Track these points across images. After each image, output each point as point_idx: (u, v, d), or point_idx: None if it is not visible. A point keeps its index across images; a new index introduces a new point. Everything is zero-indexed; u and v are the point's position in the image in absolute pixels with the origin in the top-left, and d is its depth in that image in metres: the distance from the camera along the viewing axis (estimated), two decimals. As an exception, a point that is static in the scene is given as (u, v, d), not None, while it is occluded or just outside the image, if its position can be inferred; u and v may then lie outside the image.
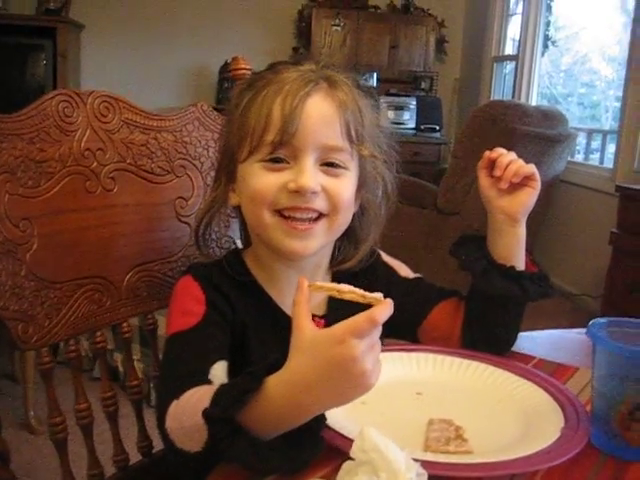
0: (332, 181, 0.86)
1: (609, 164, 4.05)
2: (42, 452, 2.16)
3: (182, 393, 0.71)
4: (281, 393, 0.64)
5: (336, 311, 0.86)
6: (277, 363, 0.66)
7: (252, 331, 0.89)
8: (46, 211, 0.92)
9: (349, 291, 0.67)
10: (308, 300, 0.67)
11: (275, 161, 0.85)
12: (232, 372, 0.81)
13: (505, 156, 0.92)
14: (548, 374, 0.89)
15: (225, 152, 0.94)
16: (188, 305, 0.87)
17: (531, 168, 0.91)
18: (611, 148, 4.29)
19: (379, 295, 0.66)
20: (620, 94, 3.90)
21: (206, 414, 0.64)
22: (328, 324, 0.83)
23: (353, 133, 0.87)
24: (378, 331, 0.63)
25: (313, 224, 0.86)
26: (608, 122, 4.80)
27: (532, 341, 1.06)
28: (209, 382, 0.75)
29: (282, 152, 0.85)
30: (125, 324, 1.05)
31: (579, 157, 4.54)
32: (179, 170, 1.09)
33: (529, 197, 0.92)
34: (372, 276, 0.99)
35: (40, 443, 2.23)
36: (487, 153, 0.93)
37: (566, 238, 3.99)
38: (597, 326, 0.74)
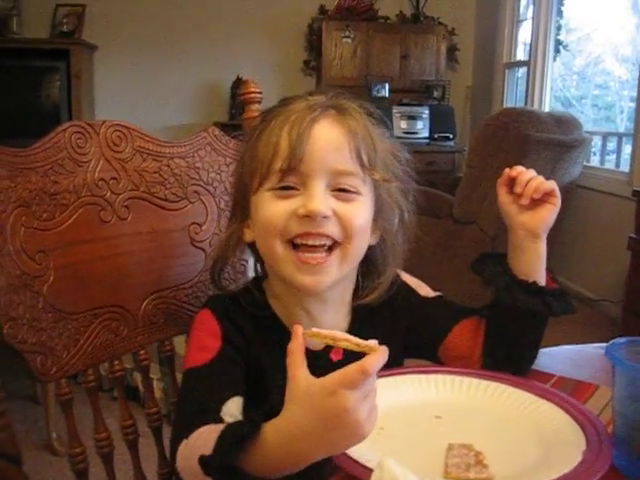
0: (344, 206, 0.85)
1: (625, 167, 4.02)
2: (65, 474, 2.17)
3: (192, 432, 0.72)
4: (279, 442, 0.64)
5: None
6: (274, 409, 0.66)
7: (269, 365, 0.89)
8: (61, 243, 0.92)
9: (344, 339, 0.67)
10: (303, 349, 0.66)
11: (284, 189, 0.85)
12: (249, 406, 0.81)
13: (525, 173, 0.92)
14: (568, 393, 0.88)
15: (238, 187, 0.94)
16: (204, 340, 0.87)
17: (551, 185, 0.91)
18: (627, 149, 4.26)
19: (374, 342, 0.65)
20: (635, 94, 3.87)
21: (203, 461, 0.66)
22: (346, 353, 0.82)
23: (364, 158, 0.86)
24: (372, 379, 0.63)
25: (326, 257, 0.85)
26: (623, 123, 4.76)
27: (551, 357, 1.05)
28: (220, 419, 0.75)
29: (291, 180, 0.85)
30: (142, 352, 1.05)
31: (595, 159, 4.50)
32: (192, 196, 1.10)
33: (549, 213, 0.92)
34: (393, 302, 0.98)
35: (62, 465, 2.24)
36: (507, 171, 0.93)
37: (584, 243, 3.96)
38: (616, 346, 0.73)
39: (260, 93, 1.20)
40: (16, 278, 0.86)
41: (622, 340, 0.75)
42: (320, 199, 0.83)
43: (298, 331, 0.68)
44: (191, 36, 5.49)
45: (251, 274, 1.12)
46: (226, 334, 0.87)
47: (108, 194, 0.99)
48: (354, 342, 0.66)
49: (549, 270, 0.95)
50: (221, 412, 0.76)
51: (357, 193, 0.87)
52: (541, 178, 0.92)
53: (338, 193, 0.86)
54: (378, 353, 0.63)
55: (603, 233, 3.90)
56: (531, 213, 0.92)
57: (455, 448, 0.74)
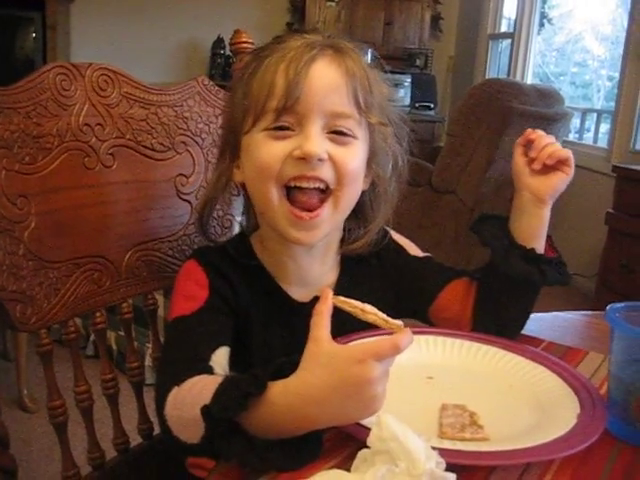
0: (339, 149, 0.83)
1: (602, 144, 4.04)
2: (36, 431, 2.14)
3: (184, 379, 0.69)
4: (287, 402, 0.62)
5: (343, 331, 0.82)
6: (283, 368, 0.64)
7: (255, 316, 0.87)
8: (44, 188, 0.88)
9: (373, 313, 0.67)
10: (330, 312, 0.65)
11: (280, 129, 0.82)
12: (234, 357, 0.79)
13: (543, 138, 0.90)
14: (558, 357, 0.87)
15: (229, 126, 0.90)
16: (191, 289, 0.85)
17: (567, 153, 0.89)
18: (603, 128, 4.28)
19: (400, 323, 0.66)
20: (613, 73, 3.88)
21: (205, 411, 0.63)
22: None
23: (361, 100, 0.84)
24: (393, 360, 0.63)
25: (319, 210, 0.83)
26: (600, 102, 4.78)
27: (539, 323, 1.05)
28: (210, 368, 0.73)
29: (286, 119, 0.81)
30: (125, 304, 1.03)
31: (572, 137, 4.51)
32: (180, 146, 1.06)
33: (560, 181, 0.90)
34: (382, 256, 0.97)
35: (34, 422, 2.21)
36: (528, 131, 0.91)
37: (561, 218, 3.98)
38: (615, 310, 0.72)
39: (252, 44, 1.16)
40: (-4, 222, 0.82)
41: (620, 304, 0.74)
42: (316, 141, 0.80)
43: (328, 294, 0.66)
44: (171, -7, 5.37)
45: (236, 229, 1.09)
46: (213, 284, 0.85)
47: (93, 140, 0.95)
48: (382, 317, 0.67)
49: (549, 237, 0.93)
50: (210, 361, 0.75)
51: (353, 136, 0.84)
52: (558, 145, 0.90)
53: (334, 136, 0.83)
54: (407, 332, 0.63)
55: (580, 208, 3.93)
56: (541, 178, 0.90)
57: (449, 408, 0.73)
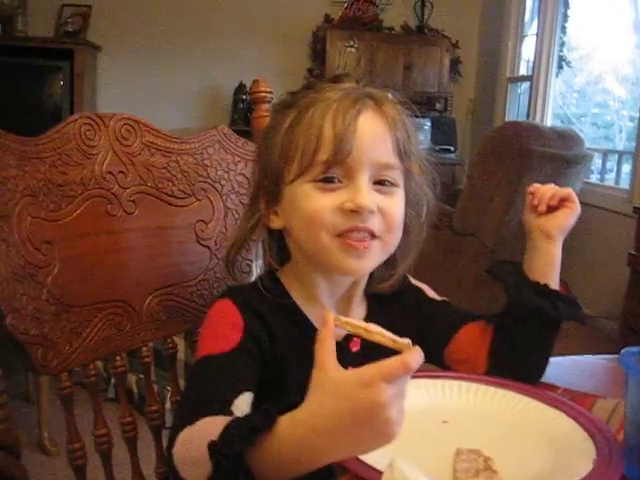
0: (386, 200, 0.85)
1: (625, 185, 4.02)
2: (56, 474, 2.15)
3: (197, 419, 0.68)
4: (296, 436, 0.59)
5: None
6: (295, 404, 0.61)
7: (292, 359, 0.87)
8: (67, 234, 0.91)
9: (378, 333, 0.64)
10: (333, 337, 0.63)
11: (328, 181, 0.84)
12: (259, 403, 0.78)
13: (541, 187, 0.94)
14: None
15: (266, 174, 0.91)
16: (224, 329, 0.84)
17: (567, 190, 0.93)
18: (626, 168, 4.27)
19: (408, 341, 0.62)
20: (634, 114, 3.89)
21: (211, 447, 0.61)
22: (363, 345, 0.84)
23: (402, 149, 0.86)
24: (406, 380, 0.59)
25: (371, 241, 0.85)
26: (622, 142, 4.78)
27: (556, 368, 1.04)
28: (231, 412, 0.72)
29: (335, 172, 0.83)
30: (145, 348, 1.04)
31: (594, 178, 4.51)
32: (200, 193, 1.09)
33: (566, 216, 0.94)
34: (403, 298, 0.98)
35: (54, 464, 2.22)
36: (529, 190, 0.96)
37: (583, 259, 3.96)
38: (629, 354, 0.72)
39: (271, 93, 1.19)
40: (20, 268, 0.85)
41: (635, 348, 0.74)
42: (367, 193, 0.83)
43: (329, 318, 0.64)
44: (195, 40, 5.50)
45: (255, 275, 1.11)
46: (249, 326, 0.84)
47: (115, 187, 0.98)
48: (389, 337, 0.63)
49: (564, 282, 0.95)
50: (233, 405, 0.74)
51: (397, 186, 0.87)
52: (557, 187, 0.94)
53: (380, 187, 0.86)
54: (417, 351, 0.59)
55: (602, 249, 3.91)
56: (548, 216, 0.94)
57: (464, 453, 0.73)
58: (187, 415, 0.70)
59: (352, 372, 0.59)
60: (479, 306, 3.01)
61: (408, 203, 0.91)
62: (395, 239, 0.89)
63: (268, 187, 0.90)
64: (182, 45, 5.48)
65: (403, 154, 0.87)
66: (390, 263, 0.94)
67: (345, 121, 0.83)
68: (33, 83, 5.06)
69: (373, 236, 0.85)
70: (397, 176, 0.87)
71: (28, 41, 5.01)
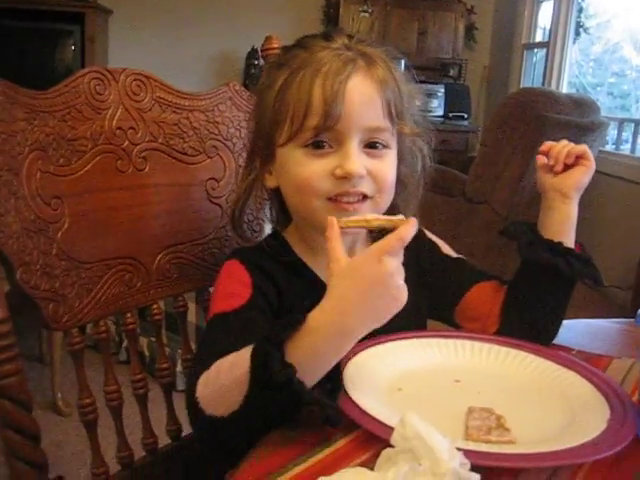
0: (376, 163, 0.86)
1: (641, 154, 3.97)
2: (69, 434, 2.17)
3: (211, 364, 0.71)
4: (328, 321, 0.66)
5: None
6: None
7: (300, 311, 0.87)
8: (77, 190, 0.90)
9: (375, 219, 0.74)
10: (339, 236, 0.71)
11: (317, 146, 0.84)
12: None
13: (556, 145, 0.93)
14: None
15: (260, 134, 0.91)
16: (234, 287, 0.86)
17: (583, 147, 0.91)
18: (642, 138, 4.21)
19: (401, 216, 0.73)
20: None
21: (254, 352, 0.65)
22: None
23: (394, 111, 0.86)
24: (402, 252, 0.69)
25: (361, 203, 0.85)
26: (639, 112, 4.71)
27: (570, 330, 1.03)
28: None
29: (325, 136, 0.83)
30: (155, 306, 1.04)
31: (609, 147, 4.44)
32: (211, 150, 1.08)
33: (582, 174, 0.92)
34: (416, 250, 0.97)
35: (67, 425, 2.24)
36: (542, 147, 0.94)
37: (597, 229, 3.92)
38: (647, 314, 0.71)
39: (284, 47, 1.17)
40: (30, 223, 0.84)
41: (653, 308, 0.72)
42: (356, 159, 0.83)
43: (333, 221, 0.72)
44: (207, 5, 5.44)
45: (267, 233, 1.10)
46: (257, 283, 0.86)
47: (126, 143, 0.97)
48: (384, 219, 0.74)
49: (579, 243, 0.93)
50: None
51: (387, 147, 0.87)
52: (572, 144, 0.92)
53: (370, 150, 0.86)
54: (410, 222, 0.69)
55: (616, 219, 3.87)
56: (563, 175, 0.92)
57: (476, 411, 0.72)
58: (202, 366, 0.72)
59: (361, 255, 0.69)
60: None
61: (402, 161, 0.92)
62: (387, 198, 0.89)
63: (262, 147, 0.91)
64: (194, 10, 5.42)
65: (394, 115, 0.87)
66: (392, 213, 0.94)
67: (334, 87, 0.82)
68: (44, 47, 5.02)
69: (365, 197, 0.85)
70: (388, 137, 0.87)
71: (39, 4, 4.96)
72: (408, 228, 0.68)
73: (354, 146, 0.83)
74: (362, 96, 0.84)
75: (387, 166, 0.87)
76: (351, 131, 0.83)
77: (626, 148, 4.40)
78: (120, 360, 2.60)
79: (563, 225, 0.92)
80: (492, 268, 3.47)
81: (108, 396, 0.97)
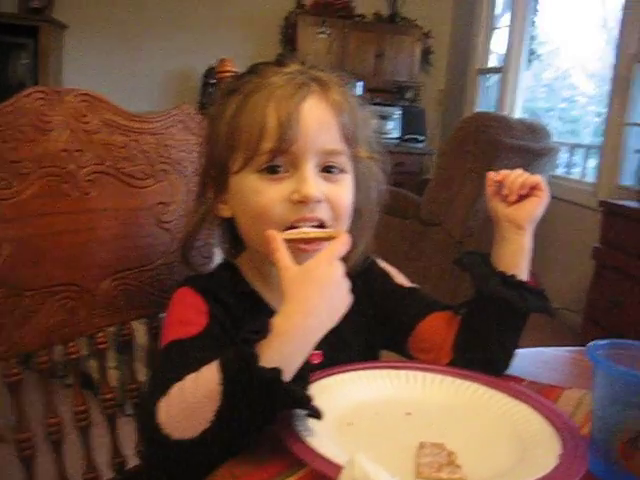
0: (333, 188, 0.84)
1: (591, 179, 4.06)
2: (12, 461, 2.09)
3: (169, 389, 0.69)
4: (291, 324, 0.69)
5: (331, 345, 0.83)
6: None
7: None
8: (19, 214, 0.87)
9: (311, 231, 0.81)
10: (285, 246, 0.75)
11: (273, 170, 0.82)
12: None
13: (510, 175, 0.91)
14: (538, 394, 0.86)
15: (212, 162, 0.89)
16: (188, 315, 0.83)
17: (537, 178, 0.90)
18: (591, 163, 4.31)
19: (334, 229, 0.82)
20: (600, 110, 3.91)
21: (226, 364, 0.67)
22: (324, 356, 0.87)
23: (349, 135, 0.85)
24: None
25: (319, 243, 0.82)
26: (588, 137, 4.82)
27: (521, 359, 1.02)
28: None
29: (280, 160, 0.82)
30: (100, 334, 1.00)
31: (560, 171, 4.53)
32: (160, 174, 1.05)
33: (535, 206, 0.91)
34: (368, 280, 0.97)
35: (8, 452, 2.15)
36: (492, 175, 0.93)
37: (548, 251, 3.99)
38: (597, 348, 0.71)
39: (236, 72, 1.15)
40: (-33, 248, 0.80)
41: (603, 342, 0.72)
42: (313, 183, 0.82)
43: (274, 234, 0.76)
44: (165, 22, 5.39)
45: (217, 259, 1.08)
46: (213, 312, 0.83)
47: (72, 166, 0.94)
48: (320, 231, 0.82)
49: (534, 274, 0.93)
50: None
51: (344, 172, 0.86)
52: (527, 174, 0.91)
53: (327, 174, 0.84)
54: (344, 233, 0.78)
55: (567, 242, 3.94)
56: (517, 206, 0.91)
57: (427, 447, 0.71)
58: (158, 394, 0.69)
59: (312, 260, 0.74)
60: (444, 297, 3.01)
61: (358, 187, 0.90)
62: (344, 226, 0.88)
63: (215, 176, 0.89)
64: (151, 27, 5.37)
65: (350, 139, 0.86)
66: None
67: (289, 109, 0.81)
68: (-3, 60, 4.92)
69: (322, 226, 0.84)
70: (344, 162, 0.86)
71: (-9, 17, 4.86)
72: (346, 236, 0.76)
73: (310, 169, 0.82)
74: (317, 119, 0.83)
75: (344, 191, 0.86)
76: (307, 154, 0.82)
77: (577, 172, 4.50)
78: (67, 384, 2.52)
79: (517, 257, 0.91)
80: (446, 290, 3.50)
81: (49, 429, 0.93)
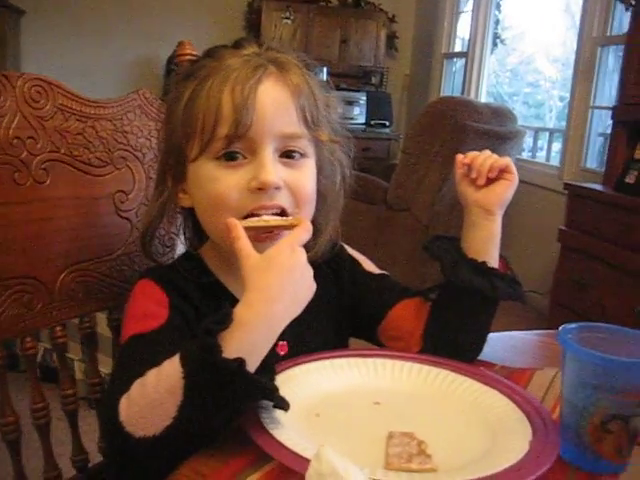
0: (293, 173, 0.81)
1: (555, 162, 4.09)
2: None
3: (130, 386, 0.66)
4: (254, 313, 0.67)
5: (298, 335, 0.84)
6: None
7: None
8: (-32, 205, 0.83)
9: (273, 220, 0.79)
10: (245, 234, 0.73)
11: (230, 157, 0.79)
12: None
13: (479, 157, 0.89)
14: (508, 376, 0.85)
15: (170, 150, 0.86)
16: (149, 308, 0.80)
17: (506, 160, 0.88)
18: (555, 147, 4.34)
19: (295, 216, 0.80)
20: (563, 94, 3.94)
21: (186, 356, 0.64)
22: (290, 346, 0.85)
23: (309, 117, 0.82)
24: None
25: (281, 232, 0.80)
26: (552, 121, 4.86)
27: (491, 343, 1.01)
28: None
29: (237, 146, 0.79)
30: (59, 328, 0.97)
31: (525, 155, 4.56)
32: (119, 161, 1.01)
33: (505, 189, 0.89)
34: (337, 267, 0.95)
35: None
36: (460, 158, 0.90)
37: (514, 235, 4.01)
38: (567, 331, 0.70)
39: (196, 56, 1.12)
40: None
41: (573, 325, 0.71)
42: (271, 168, 0.78)
43: (235, 222, 0.74)
44: (126, 8, 5.30)
45: (179, 248, 1.05)
46: (174, 303, 0.80)
47: (24, 154, 0.89)
48: (281, 219, 0.79)
49: (503, 258, 0.91)
50: None
51: (305, 156, 0.83)
52: (495, 156, 0.89)
53: (286, 160, 0.81)
54: (305, 221, 0.76)
55: (533, 225, 3.97)
56: (486, 190, 0.89)
57: (396, 437, 0.69)
58: (121, 390, 0.67)
59: (274, 248, 0.72)
60: (412, 282, 3.01)
61: (321, 172, 0.88)
62: (307, 213, 0.85)
63: (173, 164, 0.86)
64: (112, 12, 5.27)
65: (310, 122, 0.83)
66: (313, 232, 0.90)
67: (244, 92, 0.78)
68: (-48, 47, 4.78)
69: (283, 213, 0.81)
70: (305, 145, 0.83)
71: (-56, 2, 4.72)
72: (308, 223, 0.74)
73: (268, 154, 0.79)
74: (274, 101, 0.80)
75: (305, 176, 0.83)
76: (264, 138, 0.79)
77: (542, 155, 4.53)
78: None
79: (487, 243, 0.89)
80: (415, 275, 3.50)
81: (4, 428, 0.89)
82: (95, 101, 0.99)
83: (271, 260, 0.70)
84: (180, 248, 1.04)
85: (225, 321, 0.66)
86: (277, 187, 0.79)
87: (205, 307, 0.84)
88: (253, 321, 0.67)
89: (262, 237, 0.79)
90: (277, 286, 0.69)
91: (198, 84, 0.81)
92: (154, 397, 0.64)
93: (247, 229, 0.75)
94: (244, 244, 0.72)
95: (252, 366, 0.66)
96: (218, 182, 0.79)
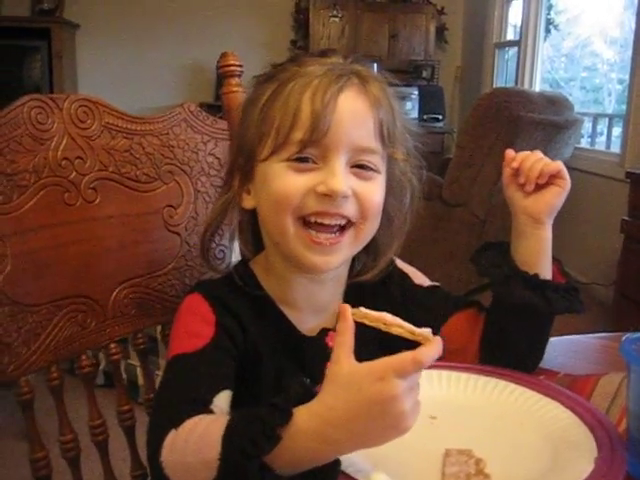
0: (363, 185, 0.79)
1: (616, 148, 3.96)
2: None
3: (181, 421, 0.64)
4: (312, 427, 0.58)
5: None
6: (304, 394, 0.60)
7: (265, 350, 0.82)
8: (20, 228, 0.84)
9: (397, 325, 0.64)
10: (352, 330, 0.61)
11: (302, 161, 0.77)
12: (238, 400, 0.74)
13: (528, 159, 0.84)
14: (571, 383, 0.82)
15: (241, 150, 0.85)
16: (196, 326, 0.79)
17: (558, 165, 0.84)
18: (616, 132, 4.21)
19: (428, 331, 0.63)
20: (623, 77, 3.81)
21: (227, 449, 0.58)
22: None
23: (386, 133, 0.80)
24: (420, 373, 0.59)
25: (339, 237, 0.79)
26: (611, 105, 4.72)
27: (552, 350, 0.98)
28: (211, 412, 0.68)
29: (311, 151, 0.77)
30: (113, 345, 0.97)
31: (583, 142, 4.44)
32: (166, 176, 1.01)
33: (555, 197, 0.85)
34: (387, 285, 0.92)
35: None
36: (508, 156, 0.86)
37: (575, 226, 3.90)
38: (630, 342, 0.66)
39: (240, 66, 1.11)
40: (-33, 267, 0.78)
41: (636, 335, 0.68)
42: (342, 177, 0.77)
43: (346, 312, 0.62)
44: (176, 15, 5.38)
45: (231, 260, 1.04)
46: (220, 321, 0.79)
47: (73, 175, 0.90)
48: (408, 329, 0.63)
49: (558, 262, 0.87)
50: (212, 405, 0.69)
51: (376, 171, 0.81)
52: (546, 159, 0.84)
53: (358, 170, 0.79)
54: (433, 344, 0.59)
55: (594, 215, 3.85)
56: (535, 197, 0.85)
57: (453, 455, 0.67)
58: (168, 419, 0.66)
59: (365, 365, 0.58)
60: (471, 277, 2.95)
61: (390, 191, 0.85)
62: (371, 228, 0.82)
63: (242, 164, 0.84)
64: (163, 20, 5.36)
65: (386, 138, 0.80)
66: (373, 252, 0.89)
67: (324, 98, 0.76)
68: (11, 64, 4.94)
69: (344, 226, 0.79)
70: (378, 161, 0.81)
71: (3, 21, 4.87)
72: (430, 350, 0.58)
73: (341, 164, 0.77)
74: (353, 112, 0.78)
75: (375, 189, 0.81)
76: (339, 147, 0.77)
77: (601, 142, 4.40)
78: (96, 384, 2.52)
79: (538, 253, 0.85)
80: (472, 270, 3.44)
81: (63, 446, 0.90)
82: (141, 117, 1.00)
83: (353, 381, 0.58)
84: (230, 259, 1.03)
85: (286, 416, 0.59)
86: (345, 196, 0.77)
87: (251, 322, 0.82)
88: (307, 436, 0.58)
89: (316, 241, 0.78)
90: (342, 412, 0.58)
91: (278, 86, 0.80)
92: (192, 462, 0.61)
93: (361, 317, 0.64)
94: (343, 342, 0.61)
95: (290, 472, 0.60)
96: (285, 180, 0.78)
